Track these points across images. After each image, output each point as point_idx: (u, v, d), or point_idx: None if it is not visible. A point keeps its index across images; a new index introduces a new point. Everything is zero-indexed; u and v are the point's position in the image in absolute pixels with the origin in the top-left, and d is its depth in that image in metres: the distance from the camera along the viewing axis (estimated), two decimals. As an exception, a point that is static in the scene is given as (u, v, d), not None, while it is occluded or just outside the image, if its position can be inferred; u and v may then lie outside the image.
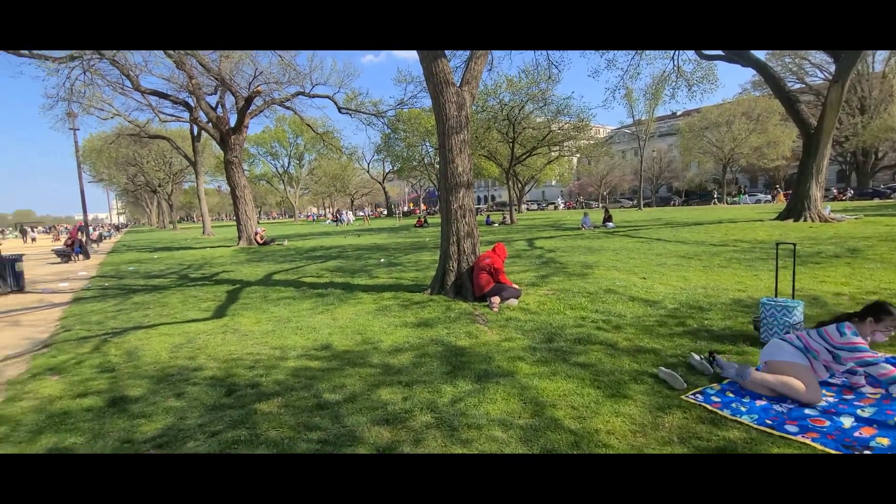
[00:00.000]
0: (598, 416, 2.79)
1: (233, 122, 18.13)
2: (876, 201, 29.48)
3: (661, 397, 3.00)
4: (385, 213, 59.90)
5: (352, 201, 62.96)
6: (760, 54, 19.88)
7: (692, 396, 2.97)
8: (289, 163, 62.58)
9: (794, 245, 4.59)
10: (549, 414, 2.84)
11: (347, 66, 79.05)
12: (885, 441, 2.36)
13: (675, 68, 20.16)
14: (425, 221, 27.93)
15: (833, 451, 2.31)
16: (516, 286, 5.80)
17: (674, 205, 47.62)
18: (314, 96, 19.57)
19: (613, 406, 2.91)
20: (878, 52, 37.90)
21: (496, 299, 5.35)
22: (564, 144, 25.06)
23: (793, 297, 4.08)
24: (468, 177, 6.04)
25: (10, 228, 68.38)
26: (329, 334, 4.71)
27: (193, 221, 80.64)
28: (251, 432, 2.72)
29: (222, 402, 3.19)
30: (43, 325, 6.07)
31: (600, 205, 52.51)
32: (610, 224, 17.80)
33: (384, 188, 58.55)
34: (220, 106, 18.67)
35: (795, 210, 15.60)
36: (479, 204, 77.00)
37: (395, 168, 49.99)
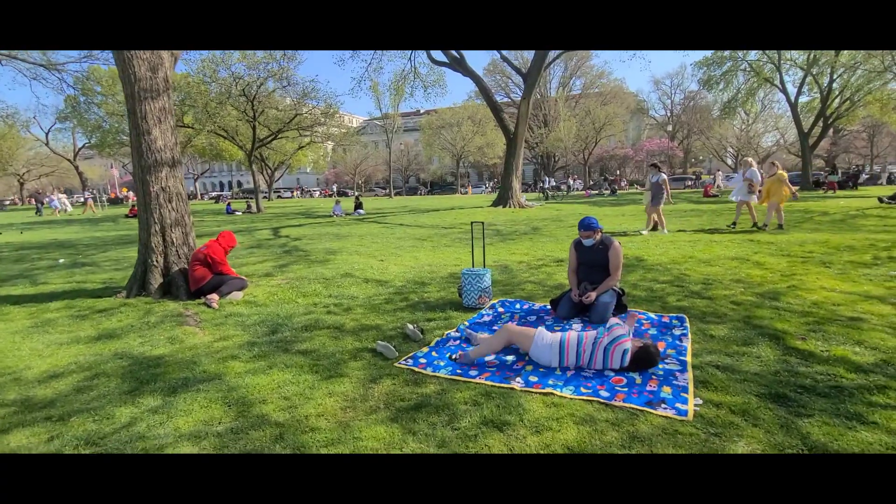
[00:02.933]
0: (310, 402, 2.69)
1: None
2: (554, 192, 39.65)
3: (375, 369, 3.13)
4: (83, 199, 44.04)
5: (21, 184, 45.75)
6: (478, 69, 23.91)
7: (403, 362, 3.20)
8: None
9: (483, 223, 5.52)
10: (257, 411, 2.59)
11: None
12: (530, 367, 3.02)
13: (413, 69, 22.19)
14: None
15: (498, 384, 2.81)
16: (243, 277, 5.24)
17: (421, 194, 53.05)
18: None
19: (328, 387, 2.86)
20: (553, 79, 51.30)
21: (214, 295, 4.68)
22: (314, 130, 24.51)
23: (484, 266, 4.90)
24: (173, 153, 5.07)
25: None
26: (-67, 372, 3.20)
27: None
28: None
29: None
30: None
31: (355, 193, 54.15)
32: (361, 211, 18.40)
33: (77, 167, 43.33)
34: None
35: (503, 198, 19.42)
36: (221, 189, 68.60)
37: (91, 142, 36.07)
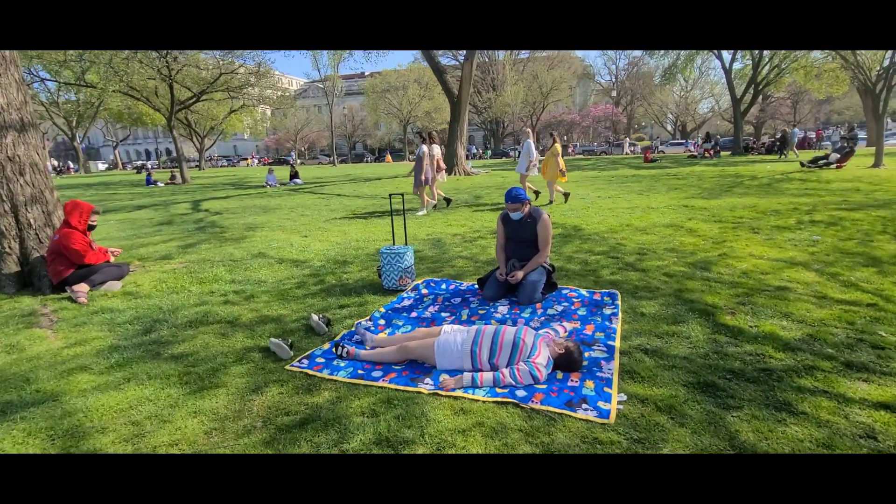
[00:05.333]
0: (166, 426, 2.16)
1: None
2: (503, 159, 39.40)
3: (262, 374, 2.63)
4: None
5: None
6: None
7: (297, 364, 2.72)
8: None
9: (403, 195, 5.01)
10: (89, 446, 2.04)
11: None
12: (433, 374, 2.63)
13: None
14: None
15: (403, 387, 2.41)
16: (124, 264, 4.47)
17: (367, 161, 51.20)
18: None
19: (195, 404, 2.34)
20: (499, 43, 49.71)
21: (83, 286, 3.92)
22: (244, 92, 22.45)
23: (406, 244, 4.43)
24: (21, 114, 4.11)
25: None
26: None
27: None
28: None
29: None
30: None
31: (298, 160, 51.42)
32: (298, 181, 17.25)
33: None
34: None
35: (447, 166, 18.83)
36: (148, 158, 63.42)
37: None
